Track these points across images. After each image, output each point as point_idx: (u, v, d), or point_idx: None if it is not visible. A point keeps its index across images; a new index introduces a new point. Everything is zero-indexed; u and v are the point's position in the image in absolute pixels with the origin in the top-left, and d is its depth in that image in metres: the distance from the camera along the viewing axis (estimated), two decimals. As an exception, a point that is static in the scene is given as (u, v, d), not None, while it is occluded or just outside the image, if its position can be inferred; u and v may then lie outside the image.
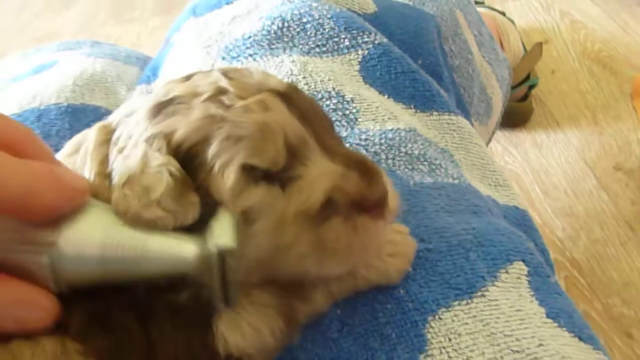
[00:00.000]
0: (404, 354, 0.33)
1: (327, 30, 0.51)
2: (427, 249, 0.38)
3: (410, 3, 0.63)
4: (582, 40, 1.27)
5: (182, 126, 0.29)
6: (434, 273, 0.37)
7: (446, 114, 0.52)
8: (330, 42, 0.51)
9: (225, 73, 0.32)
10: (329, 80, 0.48)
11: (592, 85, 1.18)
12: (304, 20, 0.52)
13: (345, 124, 0.46)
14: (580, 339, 0.38)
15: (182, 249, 0.28)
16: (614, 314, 0.84)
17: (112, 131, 0.32)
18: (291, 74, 0.47)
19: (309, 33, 0.51)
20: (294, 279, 0.32)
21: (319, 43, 0.51)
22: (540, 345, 0.35)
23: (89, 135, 0.33)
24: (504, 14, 1.11)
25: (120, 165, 0.30)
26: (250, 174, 0.29)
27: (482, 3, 1.13)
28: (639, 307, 0.84)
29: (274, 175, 0.30)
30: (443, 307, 0.35)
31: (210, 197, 0.29)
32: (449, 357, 0.33)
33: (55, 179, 0.26)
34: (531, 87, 1.13)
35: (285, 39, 0.51)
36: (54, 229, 0.27)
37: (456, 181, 0.45)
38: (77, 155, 0.33)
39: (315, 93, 0.47)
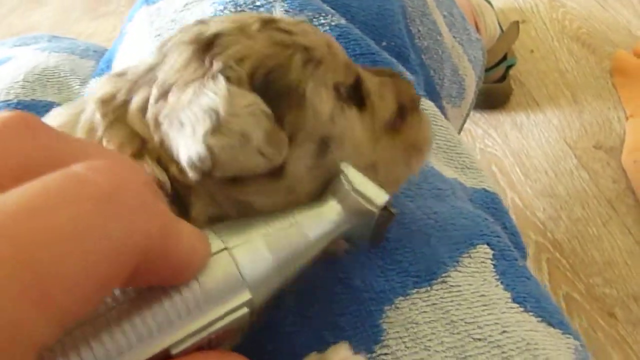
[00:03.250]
0: (359, 346, 0.32)
1: (280, 13, 0.49)
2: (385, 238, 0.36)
3: None
4: (560, 18, 1.25)
5: (253, 54, 0.27)
6: (392, 262, 0.35)
7: (410, 95, 0.50)
8: (286, 25, 0.49)
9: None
10: None
11: (572, 64, 1.17)
12: (258, 3, 0.50)
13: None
14: (549, 324, 0.37)
15: (331, 217, 0.26)
16: (596, 294, 0.84)
17: (123, 104, 0.27)
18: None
19: (264, 18, 0.49)
20: None
21: (274, 27, 0.49)
22: (504, 332, 0.34)
23: (87, 117, 0.28)
24: (479, -6, 1.09)
25: (184, 110, 0.25)
26: (338, 95, 0.29)
27: (457, -16, 1.11)
28: (621, 287, 0.84)
29: (349, 93, 0.30)
30: (400, 296, 0.34)
31: (293, 126, 0.27)
32: (407, 347, 0.32)
33: (196, 232, 0.21)
34: (509, 67, 1.12)
35: (239, 24, 0.49)
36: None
37: (418, 165, 0.44)
38: None
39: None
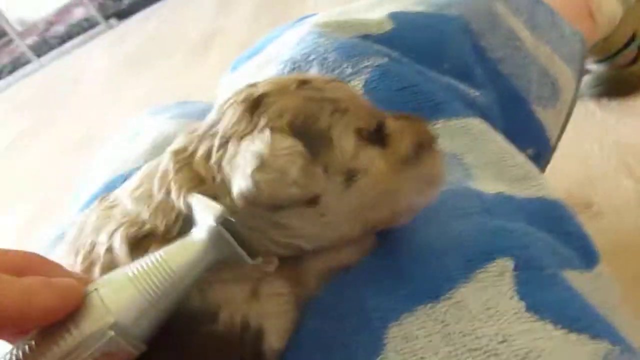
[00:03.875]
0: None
1: (330, 62, 0.56)
2: (397, 261, 0.40)
3: (432, 11, 0.65)
4: None
5: (290, 109, 0.36)
6: (403, 282, 0.39)
7: (453, 118, 0.53)
8: (335, 72, 0.56)
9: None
10: None
11: None
12: (311, 57, 0.57)
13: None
14: (571, 330, 0.37)
15: (193, 246, 0.30)
16: None
17: (191, 154, 0.37)
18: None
19: (316, 68, 0.56)
20: (385, 220, 0.40)
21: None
22: (504, 341, 0.35)
23: (163, 166, 0.38)
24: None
25: (239, 156, 0.34)
26: (360, 137, 0.37)
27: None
28: None
29: (371, 136, 0.37)
30: (407, 312, 0.38)
31: (324, 163, 0.35)
32: (404, 359, 0.36)
33: (47, 285, 0.29)
34: (641, 47, 1.03)
35: (298, 77, 0.57)
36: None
37: (450, 186, 0.46)
38: (141, 188, 0.38)
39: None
